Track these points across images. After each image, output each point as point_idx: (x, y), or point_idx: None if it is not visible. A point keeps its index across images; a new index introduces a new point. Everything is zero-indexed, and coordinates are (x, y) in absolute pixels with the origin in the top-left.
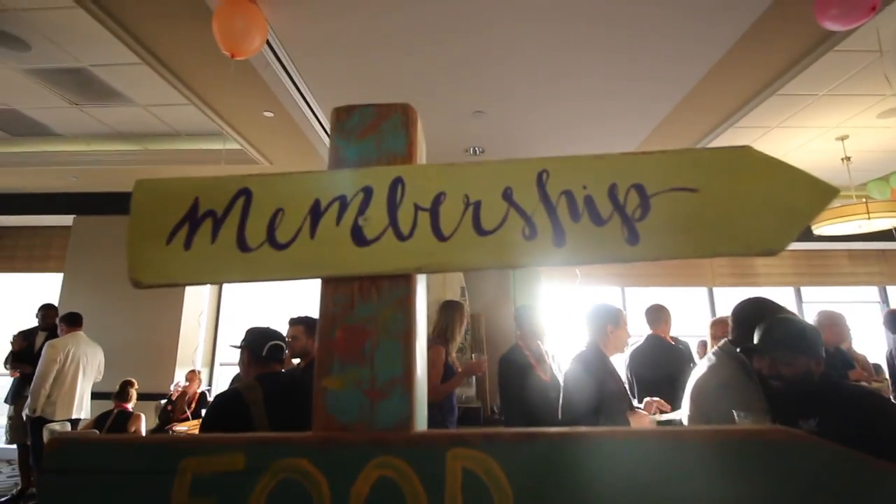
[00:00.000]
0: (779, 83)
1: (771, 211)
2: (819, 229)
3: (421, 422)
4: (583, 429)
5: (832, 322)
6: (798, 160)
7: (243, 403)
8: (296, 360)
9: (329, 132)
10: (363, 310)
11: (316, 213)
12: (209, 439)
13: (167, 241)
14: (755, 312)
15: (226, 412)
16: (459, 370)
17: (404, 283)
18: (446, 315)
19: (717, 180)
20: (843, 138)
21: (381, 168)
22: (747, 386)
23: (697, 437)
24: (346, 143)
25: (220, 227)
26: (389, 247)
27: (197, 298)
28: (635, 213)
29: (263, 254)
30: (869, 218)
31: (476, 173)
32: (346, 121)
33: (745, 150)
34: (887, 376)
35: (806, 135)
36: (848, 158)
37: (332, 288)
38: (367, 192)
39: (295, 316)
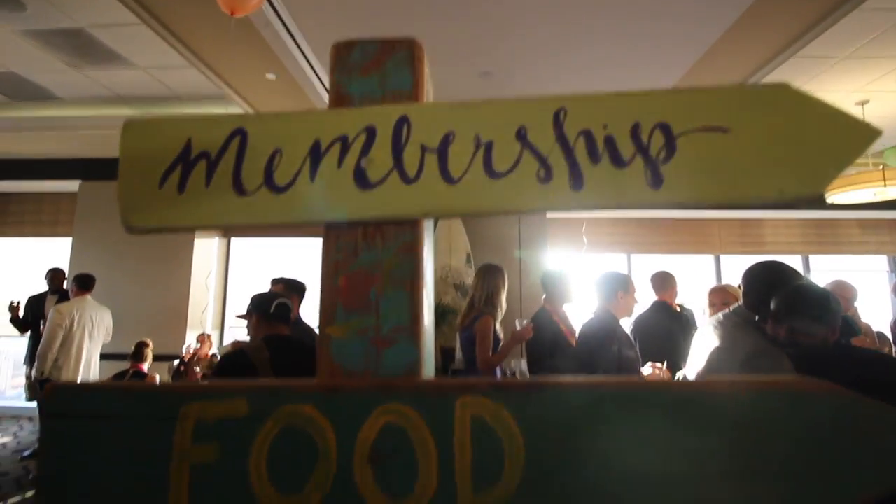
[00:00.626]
0: (798, 45)
1: (807, 153)
2: (832, 197)
3: (428, 371)
4: (598, 378)
5: (842, 290)
6: None
7: (249, 363)
8: None
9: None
10: (367, 256)
11: (316, 154)
12: (211, 386)
13: (159, 184)
14: (770, 277)
15: (231, 372)
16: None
17: (410, 228)
18: (489, 281)
19: (750, 120)
20: (863, 103)
21: (386, 107)
22: (775, 353)
23: (718, 389)
24: (348, 80)
25: (215, 169)
26: (394, 190)
27: (205, 260)
28: (660, 155)
29: (261, 197)
30: (885, 185)
31: (488, 112)
32: (348, 56)
33: (783, 88)
34: (892, 344)
35: (825, 98)
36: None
37: (335, 234)
38: (371, 133)
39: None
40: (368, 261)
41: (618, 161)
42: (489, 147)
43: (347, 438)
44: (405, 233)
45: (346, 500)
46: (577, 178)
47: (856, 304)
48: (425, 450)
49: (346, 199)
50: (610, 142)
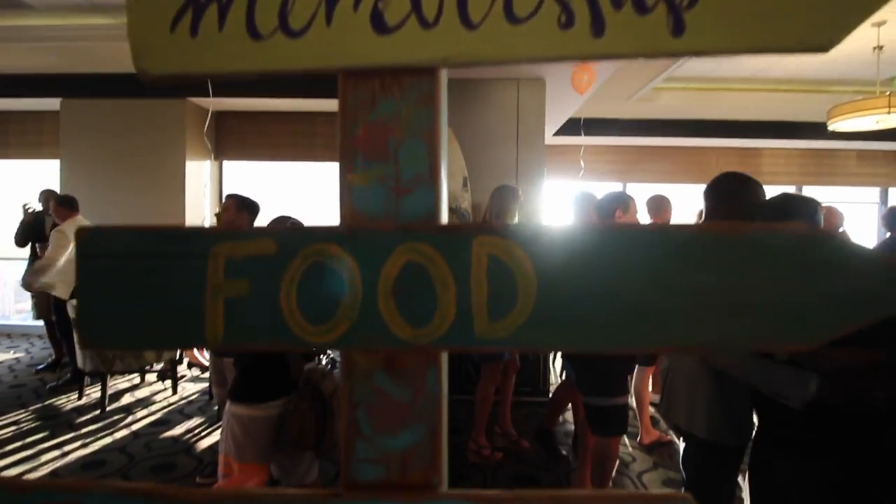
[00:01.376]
0: None
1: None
2: (834, 125)
3: (444, 219)
4: (609, 226)
5: (828, 214)
6: None
7: None
8: None
9: None
10: (385, 106)
11: None
12: (239, 231)
13: (171, 27)
14: (733, 186)
15: None
16: None
17: (428, 77)
18: (499, 200)
19: None
20: (879, 24)
21: None
22: None
23: (719, 231)
24: None
25: (227, 11)
26: (413, 35)
27: (198, 183)
28: (683, 1)
29: (276, 42)
30: (889, 112)
31: None
32: None
33: None
34: None
35: None
36: (880, 48)
37: (353, 83)
38: None
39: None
40: (387, 111)
41: (641, 7)
42: None
43: (371, 274)
44: (423, 82)
45: (372, 327)
46: (598, 25)
47: (842, 229)
48: (444, 284)
49: (362, 44)
50: None
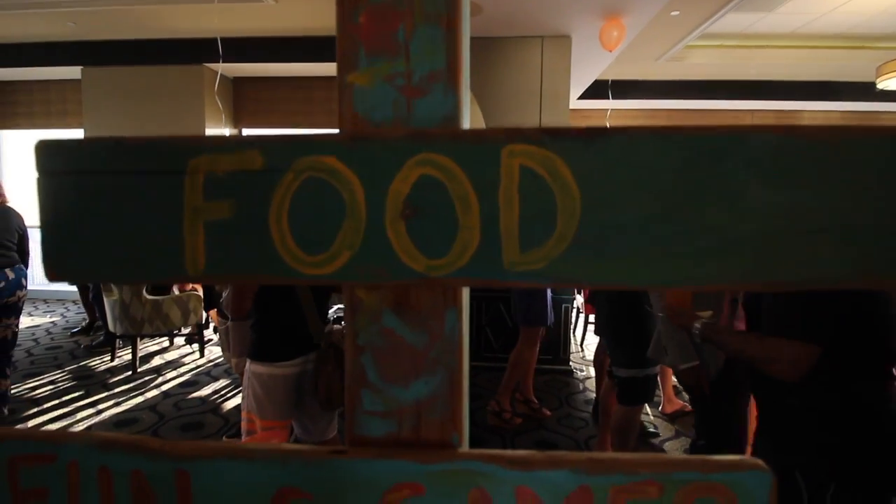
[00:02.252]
0: None
1: None
2: (884, 83)
3: (467, 124)
4: (675, 131)
5: None
6: None
7: None
8: None
9: None
10: None
11: None
12: (219, 138)
13: None
14: None
15: None
16: None
17: None
18: None
19: None
20: None
21: None
22: None
23: (827, 136)
24: None
25: None
26: None
27: None
28: None
29: None
30: None
31: None
32: None
33: None
34: None
35: None
36: None
37: None
38: None
39: None
40: None
41: None
42: None
43: (377, 192)
44: None
45: (378, 258)
46: None
47: None
48: (466, 204)
49: None
50: None
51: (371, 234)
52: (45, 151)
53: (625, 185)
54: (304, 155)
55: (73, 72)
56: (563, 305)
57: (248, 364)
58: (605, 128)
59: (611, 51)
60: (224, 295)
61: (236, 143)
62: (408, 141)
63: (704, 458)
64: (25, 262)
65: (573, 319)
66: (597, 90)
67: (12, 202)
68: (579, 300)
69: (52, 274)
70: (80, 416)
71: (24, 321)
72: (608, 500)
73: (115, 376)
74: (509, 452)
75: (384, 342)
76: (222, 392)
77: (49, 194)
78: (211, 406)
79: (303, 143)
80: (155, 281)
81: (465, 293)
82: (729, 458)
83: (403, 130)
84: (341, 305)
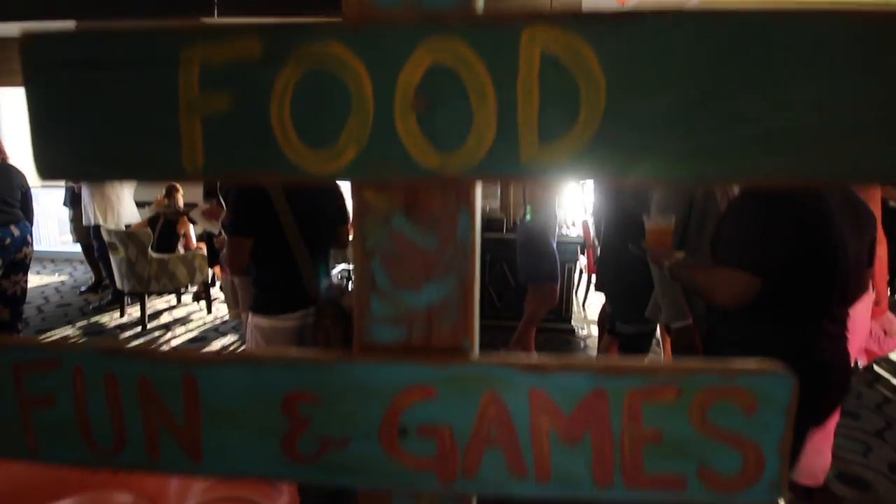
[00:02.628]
0: None
1: None
2: None
3: (481, 6)
4: (713, 12)
5: None
6: None
7: (264, 190)
8: None
9: None
10: None
11: None
12: (214, 24)
13: None
14: None
15: (249, 195)
16: None
17: None
18: None
19: None
20: None
21: None
22: None
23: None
24: None
25: None
26: None
27: None
28: None
29: None
30: None
31: None
32: None
33: None
34: None
35: None
36: None
37: None
38: None
39: None
40: None
41: None
42: None
43: (385, 82)
44: None
45: (387, 153)
46: None
47: None
48: (482, 94)
49: None
50: None
51: (379, 128)
52: (32, 44)
53: (656, 73)
54: (308, 42)
55: (66, 26)
56: (567, 265)
57: (250, 317)
58: (637, 11)
59: (622, 3)
60: (223, 251)
61: (233, 29)
62: (418, 25)
63: (724, 363)
64: (30, 220)
65: (576, 280)
66: None
67: (13, 160)
68: (583, 261)
69: (45, 172)
70: None
71: (33, 280)
72: (623, 404)
73: (125, 332)
74: (523, 358)
75: (394, 246)
76: (230, 347)
77: (37, 88)
78: None
79: (305, 29)
80: (152, 179)
81: (477, 193)
82: (749, 362)
83: (413, 14)
84: (345, 265)
